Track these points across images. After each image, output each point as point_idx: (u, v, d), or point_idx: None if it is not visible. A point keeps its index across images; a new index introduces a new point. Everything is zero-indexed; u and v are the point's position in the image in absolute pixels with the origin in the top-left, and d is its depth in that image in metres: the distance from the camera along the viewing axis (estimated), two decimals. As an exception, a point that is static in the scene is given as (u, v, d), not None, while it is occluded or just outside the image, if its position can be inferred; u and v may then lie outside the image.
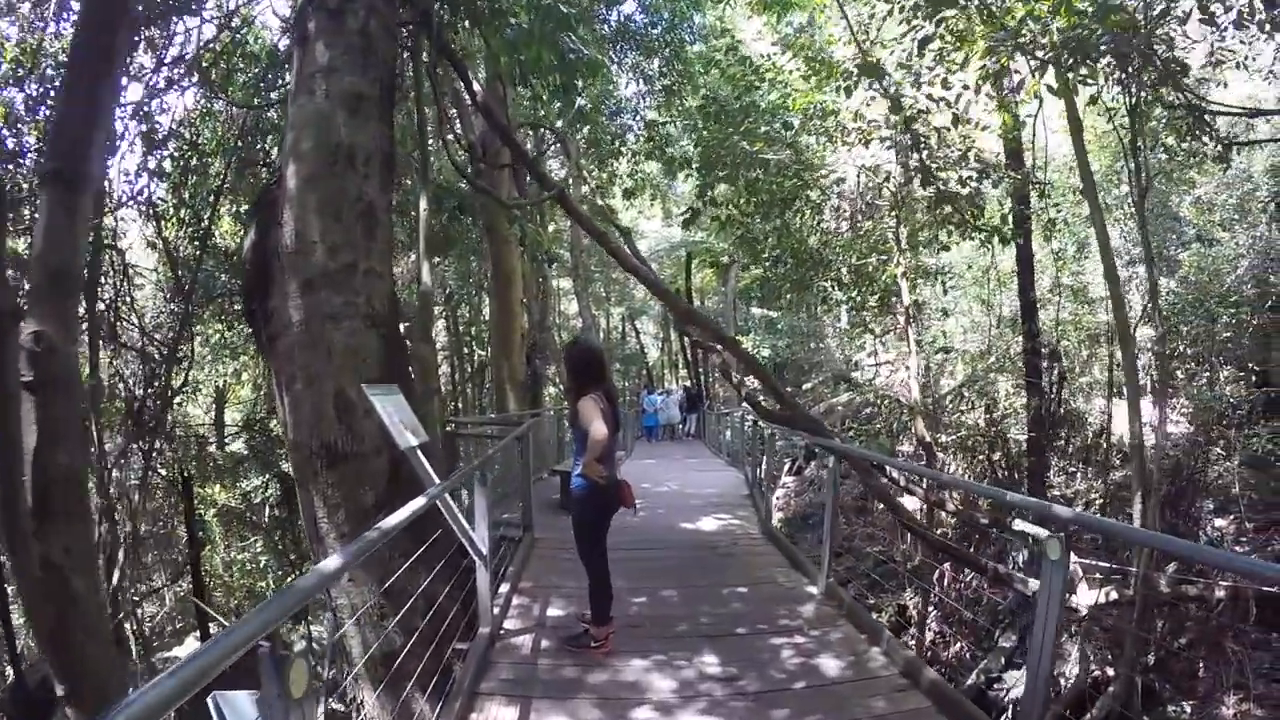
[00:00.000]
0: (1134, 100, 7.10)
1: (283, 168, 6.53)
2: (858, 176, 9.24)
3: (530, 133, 11.71)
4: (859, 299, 10.58)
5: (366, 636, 6.19)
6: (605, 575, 4.68)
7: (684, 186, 31.09)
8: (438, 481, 4.60)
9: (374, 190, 6.17)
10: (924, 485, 8.26)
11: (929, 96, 7.38)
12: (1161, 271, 13.93)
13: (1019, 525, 8.14)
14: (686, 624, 5.26)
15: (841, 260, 10.07)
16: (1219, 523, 11.46)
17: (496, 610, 5.19)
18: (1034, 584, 7.96)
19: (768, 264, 10.26)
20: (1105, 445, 12.59)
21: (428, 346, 7.65)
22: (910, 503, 10.05)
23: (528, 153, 7.07)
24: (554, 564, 6.70)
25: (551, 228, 28.95)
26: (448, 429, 8.19)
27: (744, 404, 21.83)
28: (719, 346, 8.10)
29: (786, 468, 19.43)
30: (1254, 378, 12.94)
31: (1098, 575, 8.17)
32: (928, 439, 9.76)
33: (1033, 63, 6.67)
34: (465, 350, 26.54)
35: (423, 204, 7.96)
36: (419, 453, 4.67)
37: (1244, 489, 11.27)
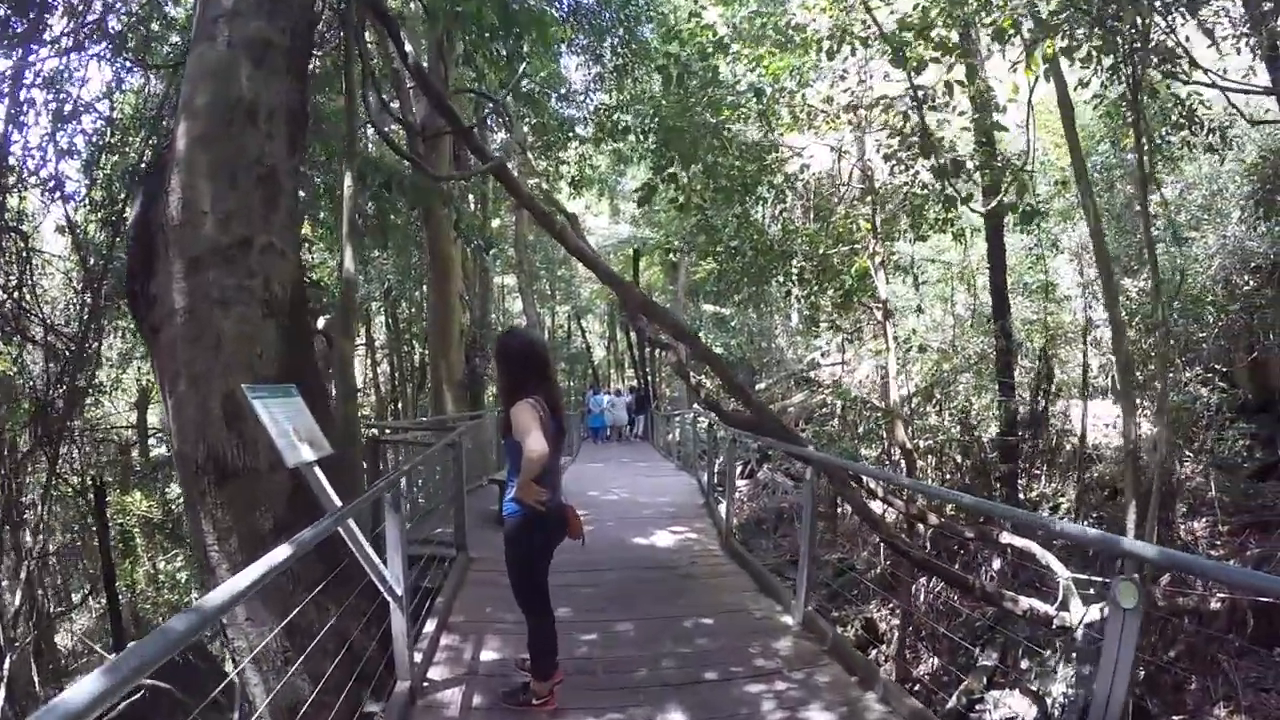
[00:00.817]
0: (1136, 75, 6.53)
1: (175, 127, 5.56)
2: (835, 160, 8.58)
3: (474, 111, 10.79)
4: (821, 293, 9.91)
5: (270, 684, 5.26)
6: (548, 623, 3.82)
7: (631, 183, 30.47)
8: (338, 505, 3.72)
9: (278, 152, 5.22)
10: (904, 496, 7.58)
11: (940, 46, 6.67)
12: (1128, 271, 13.65)
13: (1057, 566, 7.49)
14: (646, 669, 4.44)
15: (805, 252, 9.39)
16: (1191, 526, 11.19)
17: (419, 657, 4.30)
18: (1072, 616, 7.42)
19: (724, 256, 9.52)
20: (1079, 447, 12.16)
21: (348, 342, 6.70)
22: (876, 506, 9.43)
23: (464, 122, 6.17)
24: (492, 591, 5.79)
25: (496, 223, 28.12)
26: (373, 434, 7.21)
27: (696, 405, 21.17)
28: (677, 343, 7.32)
29: (739, 471, 18.80)
30: (1219, 379, 12.77)
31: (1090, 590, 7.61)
32: (908, 445, 9.11)
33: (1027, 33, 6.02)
34: (405, 349, 25.37)
35: (347, 181, 7.00)
36: (316, 469, 3.76)
37: (1217, 492, 11.01)
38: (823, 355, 20.30)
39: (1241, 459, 11.12)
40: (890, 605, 11.87)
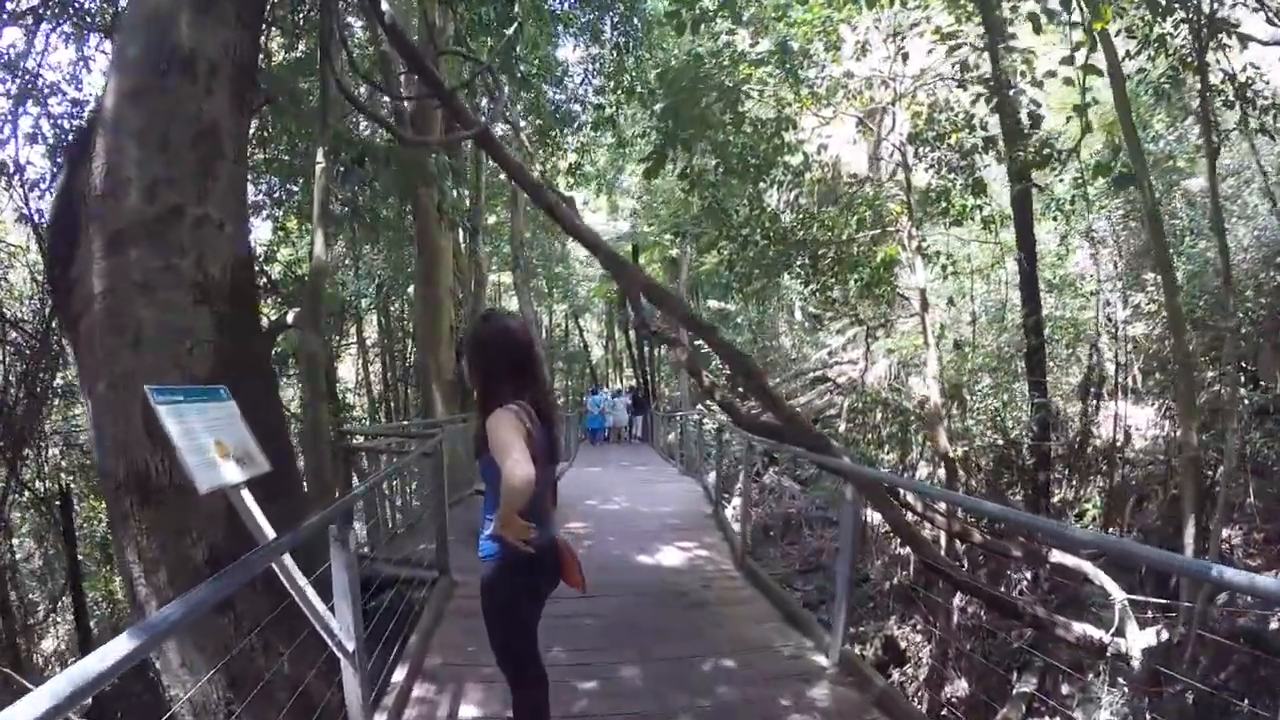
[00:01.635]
0: (1203, 41, 5.74)
1: (106, 85, 4.76)
2: (859, 137, 7.81)
3: (467, 88, 10.05)
4: (839, 285, 9.09)
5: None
6: (539, 695, 2.94)
7: (630, 180, 29.62)
8: (269, 536, 2.93)
9: (219, 109, 4.41)
10: (946, 513, 6.74)
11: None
12: (1160, 262, 12.86)
13: (1112, 587, 6.69)
14: (659, 729, 3.64)
15: (824, 239, 8.58)
16: (1224, 533, 10.46)
17: (384, 718, 3.50)
18: (1129, 642, 6.62)
19: (735, 245, 8.71)
20: (1112, 450, 11.40)
21: (316, 338, 5.90)
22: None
23: (444, 85, 5.36)
24: (476, 623, 4.85)
25: (492, 219, 27.23)
26: (346, 438, 6.39)
27: (700, 406, 20.34)
28: (683, 340, 6.51)
29: (743, 475, 18.00)
30: (1244, 377, 12.05)
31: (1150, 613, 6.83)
32: (951, 453, 8.27)
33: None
34: (398, 347, 24.49)
35: (319, 158, 6.20)
36: (244, 494, 2.97)
37: (1247, 497, 10.29)
38: (830, 354, 19.51)
39: (1271, 461, 10.40)
40: (912, 621, 11.09)
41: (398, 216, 11.81)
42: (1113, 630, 6.72)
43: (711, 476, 12.36)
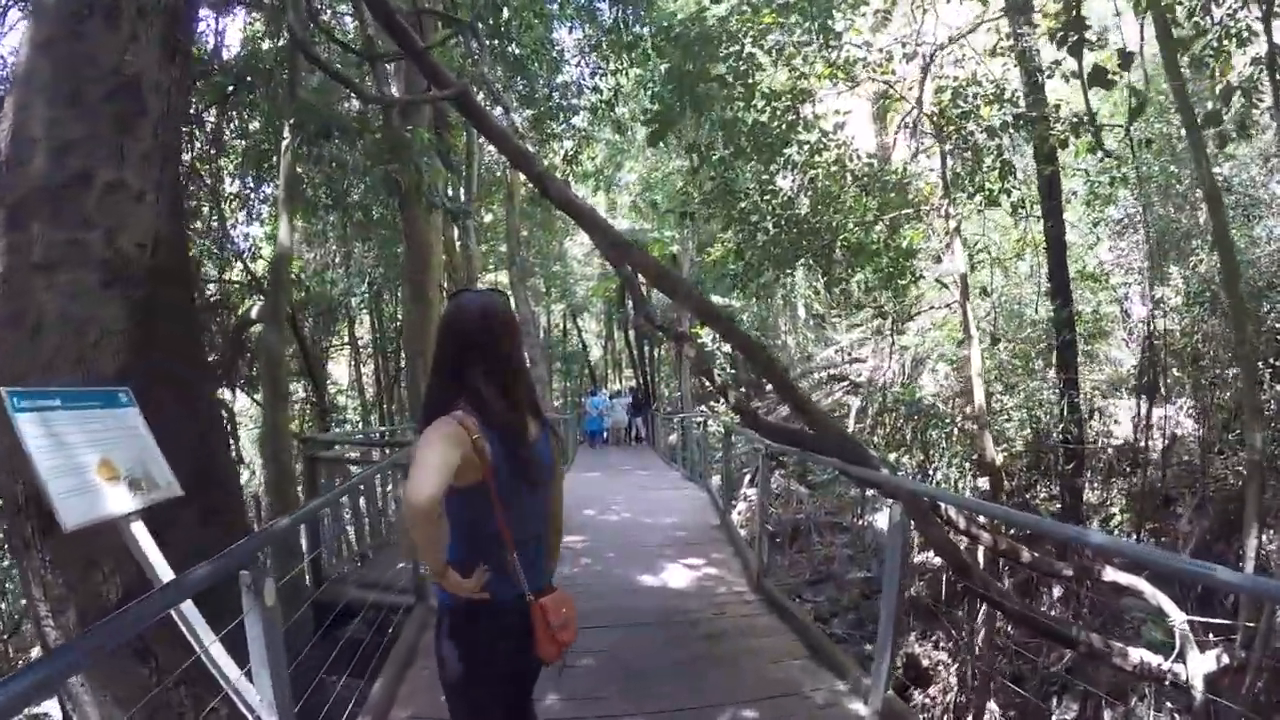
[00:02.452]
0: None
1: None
2: (875, 107, 7.13)
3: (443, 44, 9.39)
4: (856, 274, 8.39)
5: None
6: None
7: (629, 177, 28.92)
8: (163, 578, 2.25)
9: (144, 61, 3.72)
10: (986, 526, 6.02)
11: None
12: (1172, 260, 12.23)
13: (1170, 608, 6.00)
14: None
15: (841, 223, 7.86)
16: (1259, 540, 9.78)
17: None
18: (1189, 669, 5.94)
19: (744, 232, 8.02)
20: (1141, 451, 10.74)
21: (277, 333, 5.20)
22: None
23: (418, 42, 4.68)
24: None
25: (489, 218, 26.51)
26: (311, 448, 5.69)
27: (702, 407, 19.64)
28: (691, 338, 5.83)
29: (748, 479, 17.32)
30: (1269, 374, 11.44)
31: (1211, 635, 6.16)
32: (996, 461, 7.53)
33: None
34: (391, 347, 23.76)
35: (286, 134, 5.51)
36: (135, 527, 2.28)
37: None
38: (838, 351, 18.83)
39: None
40: (933, 638, 10.39)
41: (383, 205, 11.09)
42: (1174, 656, 6.03)
43: (717, 481, 11.69)
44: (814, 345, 21.22)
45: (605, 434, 22.80)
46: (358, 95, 5.78)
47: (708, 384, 22.50)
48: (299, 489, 6.15)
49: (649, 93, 7.97)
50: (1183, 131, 10.61)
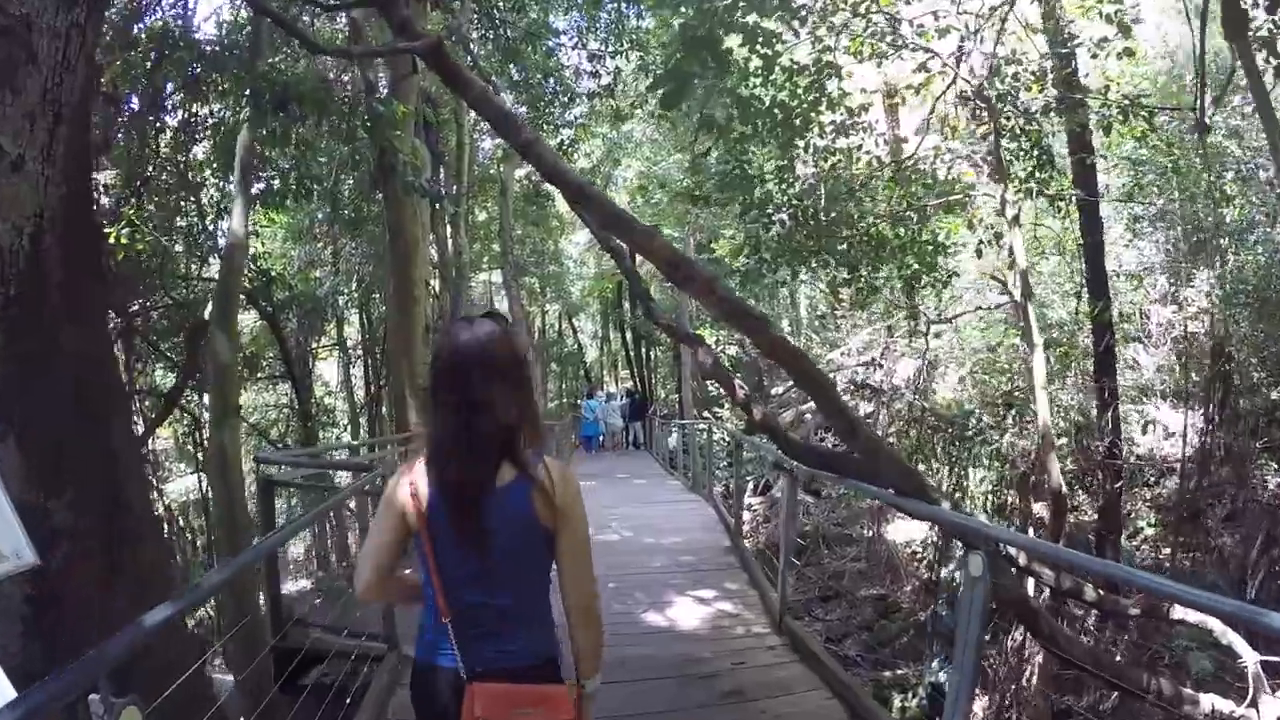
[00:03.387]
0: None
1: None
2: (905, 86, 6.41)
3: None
4: (885, 267, 7.63)
5: None
6: None
7: (628, 173, 28.14)
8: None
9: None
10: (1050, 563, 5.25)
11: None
12: (1199, 260, 11.56)
13: (1242, 647, 5.31)
14: None
15: (877, 212, 7.12)
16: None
17: None
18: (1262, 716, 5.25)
19: (758, 224, 7.29)
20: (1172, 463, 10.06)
21: (228, 339, 4.46)
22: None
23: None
24: None
25: (482, 215, 25.76)
26: (264, 469, 4.93)
27: (701, 413, 18.89)
28: (707, 343, 5.07)
29: (751, 488, 16.60)
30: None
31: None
32: (1063, 488, 6.73)
33: None
34: (379, 349, 22.95)
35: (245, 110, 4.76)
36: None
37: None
38: (844, 353, 18.10)
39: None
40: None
41: (359, 193, 10.34)
42: (1247, 702, 5.33)
43: (719, 490, 10.97)
44: (819, 347, 20.48)
45: (602, 438, 22.11)
46: (306, 45, 5.03)
47: (721, 391, 21.79)
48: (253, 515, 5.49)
49: (659, 53, 7.29)
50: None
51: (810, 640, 4.90)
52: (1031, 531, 7.96)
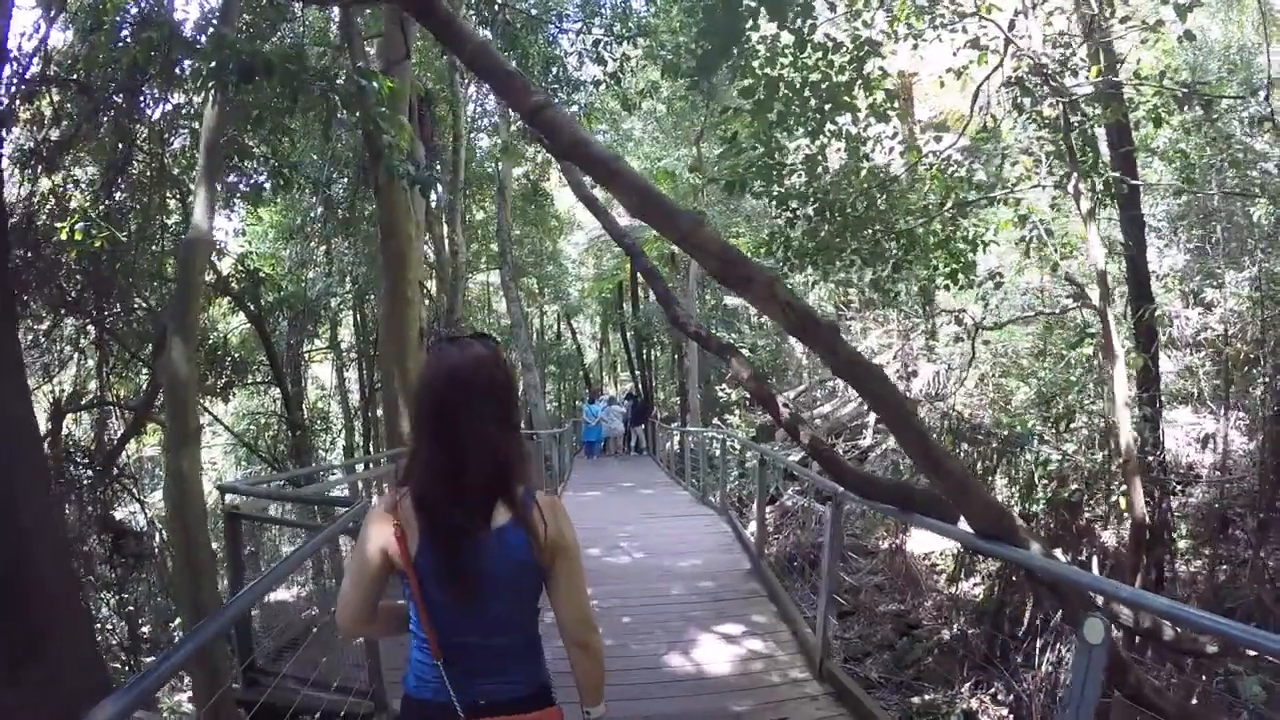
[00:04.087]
0: None
1: None
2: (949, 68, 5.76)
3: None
4: (916, 266, 7.00)
5: None
6: None
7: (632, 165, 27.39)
8: None
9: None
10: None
11: None
12: (1229, 258, 10.97)
13: None
14: None
15: (908, 210, 6.49)
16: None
17: None
18: None
19: (784, 217, 6.67)
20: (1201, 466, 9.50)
21: (185, 347, 3.82)
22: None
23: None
24: None
25: (480, 215, 25.08)
26: (233, 502, 4.26)
27: (716, 421, 18.18)
28: (740, 358, 4.37)
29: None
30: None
31: None
32: (1146, 518, 6.08)
33: None
34: (374, 352, 22.23)
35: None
36: None
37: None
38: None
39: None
40: (991, 690, 9.05)
41: (341, 178, 9.71)
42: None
43: (725, 502, 10.36)
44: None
45: (603, 444, 21.46)
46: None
47: (730, 395, 21.12)
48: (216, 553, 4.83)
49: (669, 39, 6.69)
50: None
51: (856, 689, 4.29)
52: (1096, 562, 7.33)
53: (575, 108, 11.22)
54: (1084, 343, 6.78)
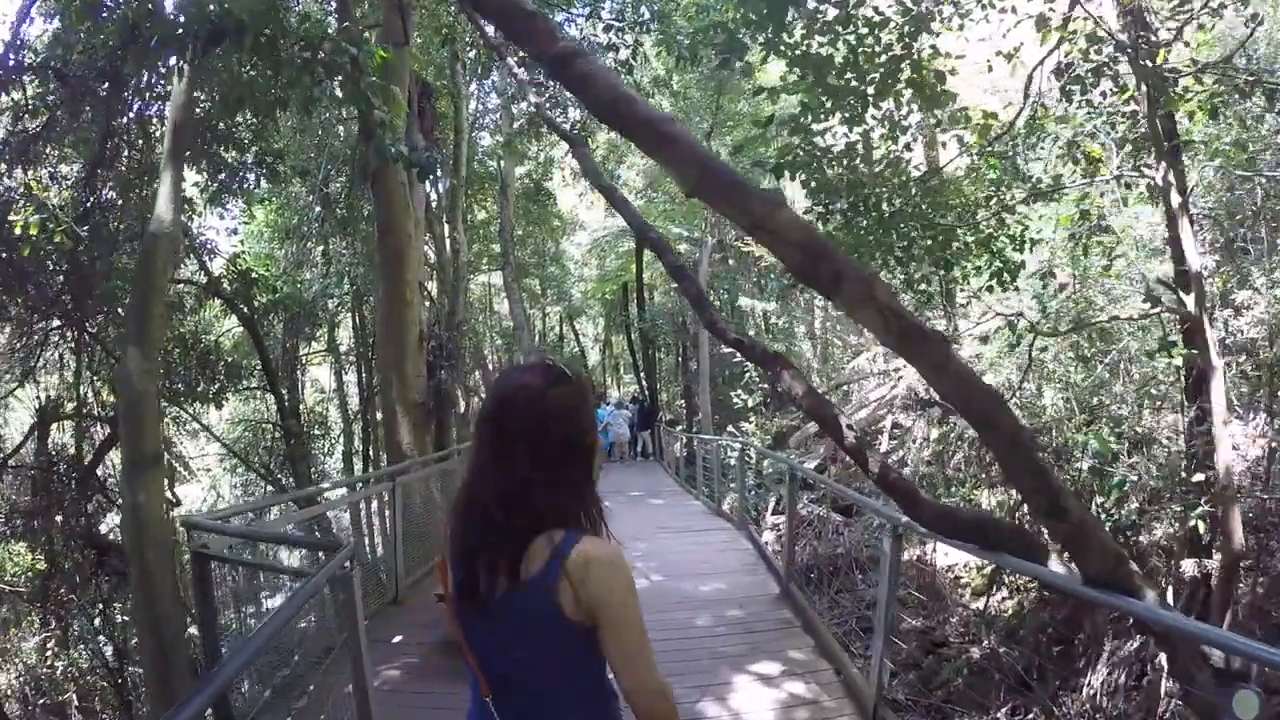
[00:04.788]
0: None
1: None
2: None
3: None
4: (960, 265, 6.45)
5: None
6: None
7: (629, 172, 26.86)
8: None
9: None
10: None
11: None
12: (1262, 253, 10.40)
13: None
14: None
15: (951, 204, 5.95)
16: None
17: None
18: None
19: (817, 212, 6.12)
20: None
21: (143, 357, 3.27)
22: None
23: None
24: None
25: (482, 215, 24.51)
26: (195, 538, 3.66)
27: (730, 429, 17.61)
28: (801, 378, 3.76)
29: (772, 505, 15.43)
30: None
31: None
32: (1243, 549, 5.49)
33: None
34: (372, 355, 21.65)
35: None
36: None
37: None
38: (870, 360, 17.00)
39: None
40: (1030, 716, 8.49)
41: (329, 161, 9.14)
42: None
43: (745, 516, 9.82)
44: (840, 352, 19.37)
45: (608, 449, 20.87)
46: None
47: (743, 402, 20.54)
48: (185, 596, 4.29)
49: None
50: None
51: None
52: (1172, 592, 6.74)
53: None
54: (1168, 351, 6.17)
